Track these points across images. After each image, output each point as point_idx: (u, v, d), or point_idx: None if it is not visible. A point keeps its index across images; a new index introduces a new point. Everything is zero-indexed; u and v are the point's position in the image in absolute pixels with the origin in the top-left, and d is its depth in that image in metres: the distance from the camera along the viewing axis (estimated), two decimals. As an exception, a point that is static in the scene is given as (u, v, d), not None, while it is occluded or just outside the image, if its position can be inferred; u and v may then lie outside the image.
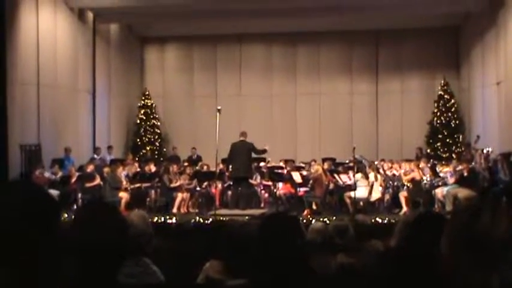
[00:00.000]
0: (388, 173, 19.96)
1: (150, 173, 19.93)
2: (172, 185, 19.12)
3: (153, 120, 27.39)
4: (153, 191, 19.35)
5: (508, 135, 20.51)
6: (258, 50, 28.06)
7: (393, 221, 14.12)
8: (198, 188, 19.67)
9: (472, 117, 24.90)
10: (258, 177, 20.08)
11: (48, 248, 2.11)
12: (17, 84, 19.57)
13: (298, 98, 27.69)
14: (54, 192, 16.92)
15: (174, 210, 18.38)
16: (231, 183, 19.27)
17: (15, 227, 2.08)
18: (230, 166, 19.12)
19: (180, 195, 18.76)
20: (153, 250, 4.89)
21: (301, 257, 3.36)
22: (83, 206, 11.58)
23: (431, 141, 25.73)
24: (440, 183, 18.58)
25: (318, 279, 3.71)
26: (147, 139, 27.06)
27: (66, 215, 11.93)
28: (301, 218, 14.96)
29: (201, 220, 15.59)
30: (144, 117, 27.30)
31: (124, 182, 19.04)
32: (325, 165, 20.05)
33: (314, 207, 18.31)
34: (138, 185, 19.31)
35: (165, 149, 27.42)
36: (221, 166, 19.95)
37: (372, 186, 18.24)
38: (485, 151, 18.97)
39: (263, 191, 19.97)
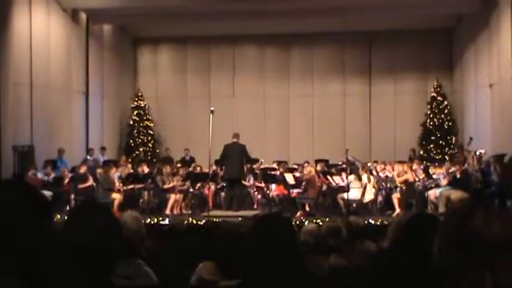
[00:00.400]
0: (381, 174, 19.97)
1: (143, 174, 19.92)
2: (166, 187, 19.10)
3: (146, 122, 27.36)
4: (146, 192, 19.33)
5: (500, 137, 20.55)
6: (251, 52, 28.07)
7: (386, 222, 14.12)
8: (191, 190, 19.66)
9: (465, 119, 24.94)
10: (251, 179, 20.09)
11: (40, 247, 2.11)
12: (10, 84, 19.53)
13: (291, 100, 27.69)
14: (47, 193, 16.85)
15: (167, 211, 18.36)
16: (224, 184, 19.28)
17: (7, 226, 2.08)
18: (223, 167, 19.15)
19: (173, 197, 18.75)
20: (146, 251, 4.89)
21: (294, 258, 3.37)
22: (76, 206, 11.57)
23: (424, 142, 25.77)
24: (433, 185, 18.61)
25: (311, 280, 3.72)
26: (140, 140, 27.03)
27: (59, 216, 11.92)
28: (294, 220, 14.99)
29: (194, 221, 15.60)
30: (137, 119, 27.26)
31: (117, 183, 19.01)
32: (318, 167, 20.09)
33: (307, 208, 18.31)
34: (131, 186, 19.29)
35: (158, 150, 27.38)
36: (214, 167, 19.99)
37: (364, 188, 18.26)
38: (477, 153, 19.02)
39: (256, 193, 19.97)
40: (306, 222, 11.64)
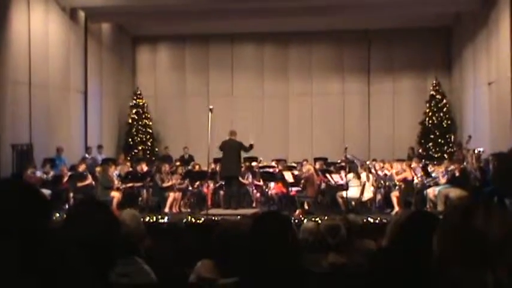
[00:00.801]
0: (380, 173, 19.97)
1: (142, 173, 19.90)
2: (164, 185, 19.09)
3: (144, 120, 27.35)
4: (145, 191, 19.34)
5: (499, 135, 20.55)
6: (249, 50, 28.07)
7: (385, 220, 14.16)
8: (190, 188, 19.66)
9: (464, 118, 24.96)
10: (250, 177, 20.07)
11: (40, 245, 2.11)
12: (9, 83, 19.53)
13: (290, 98, 27.70)
14: (46, 191, 16.85)
15: (166, 209, 18.36)
16: (223, 182, 19.29)
17: (6, 224, 2.08)
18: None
19: (172, 195, 18.75)
20: (145, 250, 4.89)
21: (293, 257, 3.37)
22: (75, 204, 11.56)
23: (423, 141, 25.78)
24: (432, 183, 18.61)
25: (310, 278, 3.72)
26: (138, 139, 27.02)
27: (58, 215, 11.93)
28: (293, 218, 14.99)
29: (193, 220, 15.60)
30: (136, 117, 27.26)
31: (116, 182, 19.01)
32: (317, 165, 20.10)
33: (306, 207, 18.32)
34: (130, 184, 19.29)
35: (157, 149, 27.38)
36: (213, 166, 19.98)
37: (363, 186, 18.26)
38: (476, 151, 19.02)
39: (255, 191, 19.95)
40: (305, 221, 11.62)
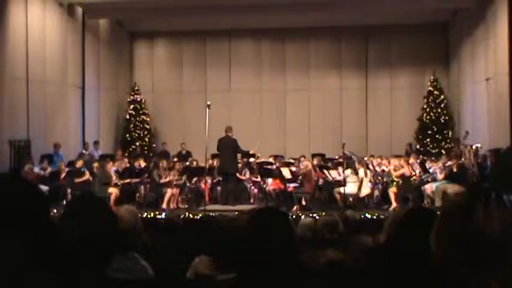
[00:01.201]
0: (378, 168, 19.98)
1: (139, 169, 19.92)
2: (162, 181, 19.11)
3: (142, 116, 27.30)
4: (142, 187, 19.36)
5: (497, 131, 20.57)
6: (247, 46, 28.03)
7: (382, 216, 14.15)
8: (187, 184, 19.67)
9: (462, 113, 24.97)
10: (248, 173, 20.09)
11: (37, 240, 2.11)
12: (6, 79, 19.53)
13: (288, 94, 27.68)
14: (43, 187, 16.89)
15: (164, 205, 18.39)
16: (221, 178, 19.30)
17: (4, 219, 2.08)
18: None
19: (169, 191, 18.77)
20: (143, 245, 4.88)
21: (291, 253, 3.36)
22: (73, 199, 11.54)
23: (420, 137, 25.75)
24: (429, 179, 18.63)
25: (308, 274, 3.72)
26: (136, 134, 26.98)
27: (55, 211, 11.92)
28: (290, 214, 14.97)
29: (191, 216, 15.59)
30: (134, 113, 27.22)
31: (114, 178, 19.01)
32: (315, 161, 20.12)
33: (303, 203, 18.34)
34: (127, 180, 19.29)
35: (154, 145, 27.35)
36: (211, 161, 19.99)
37: (361, 182, 18.27)
38: (474, 147, 19.04)
39: (253, 187, 19.97)
40: (303, 217, 11.62)
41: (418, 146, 25.45)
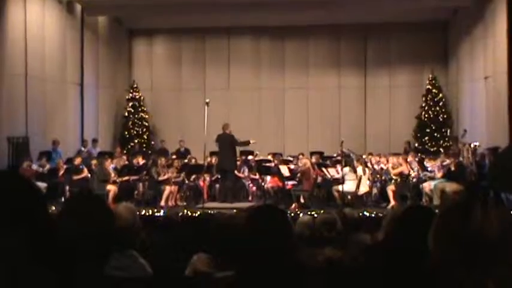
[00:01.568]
0: (376, 166, 19.98)
1: (138, 166, 19.91)
2: (161, 178, 19.11)
3: (141, 113, 27.29)
4: (141, 184, 19.35)
5: (495, 129, 20.58)
6: (246, 44, 28.02)
7: (381, 214, 14.15)
8: (186, 181, 19.67)
9: (460, 112, 24.99)
10: (246, 171, 20.09)
11: (34, 237, 2.11)
12: (5, 76, 19.53)
13: (287, 92, 27.68)
14: (41, 184, 16.88)
15: (162, 203, 18.37)
16: (219, 176, 19.31)
17: (1, 216, 2.08)
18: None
19: (168, 188, 18.76)
20: (141, 243, 4.88)
21: (289, 250, 3.37)
22: (71, 196, 11.55)
23: (419, 135, 25.77)
24: (427, 177, 18.63)
25: (306, 272, 3.72)
26: (135, 132, 26.97)
27: (53, 208, 11.92)
28: (288, 212, 14.98)
29: (189, 213, 15.58)
30: (132, 110, 27.20)
31: (112, 175, 19.01)
32: (313, 159, 20.10)
33: (302, 200, 18.34)
34: (126, 178, 19.28)
35: (153, 142, 27.34)
36: (209, 159, 19.99)
37: (359, 180, 18.28)
38: (472, 145, 19.04)
39: (251, 185, 19.98)
40: (301, 214, 11.62)
41: (416, 144, 25.46)
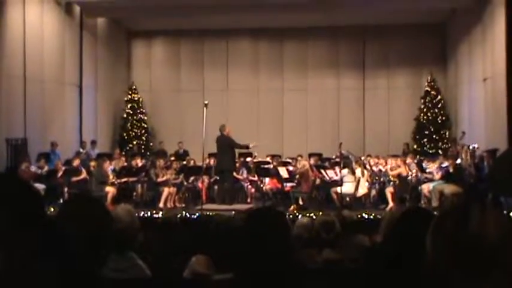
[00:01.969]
0: (375, 168, 19.96)
1: (136, 168, 19.89)
2: (159, 180, 19.08)
3: (139, 115, 27.31)
4: (139, 186, 19.33)
5: (494, 131, 20.59)
6: (245, 45, 28.04)
7: (379, 216, 14.14)
8: (184, 183, 19.65)
9: (459, 114, 25.00)
10: (245, 172, 20.07)
11: (34, 240, 2.11)
12: (3, 77, 19.52)
13: (285, 93, 27.69)
14: (40, 186, 16.88)
15: (161, 204, 18.34)
16: (218, 178, 19.29)
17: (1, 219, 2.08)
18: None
19: (166, 190, 18.73)
20: (139, 245, 4.88)
21: (287, 252, 3.37)
22: (69, 198, 11.54)
23: (417, 137, 25.80)
24: (426, 179, 18.63)
25: (304, 273, 3.72)
26: (133, 133, 26.98)
27: (52, 209, 11.91)
28: (287, 213, 14.98)
29: (188, 215, 15.57)
30: (131, 112, 27.22)
31: (111, 177, 19.00)
32: (312, 161, 20.10)
33: (300, 202, 18.31)
34: (124, 179, 19.26)
35: (151, 144, 27.35)
36: (208, 160, 19.96)
37: (358, 182, 18.27)
38: (471, 147, 19.05)
39: (250, 186, 19.95)
40: (300, 216, 11.62)
41: (415, 146, 25.49)
